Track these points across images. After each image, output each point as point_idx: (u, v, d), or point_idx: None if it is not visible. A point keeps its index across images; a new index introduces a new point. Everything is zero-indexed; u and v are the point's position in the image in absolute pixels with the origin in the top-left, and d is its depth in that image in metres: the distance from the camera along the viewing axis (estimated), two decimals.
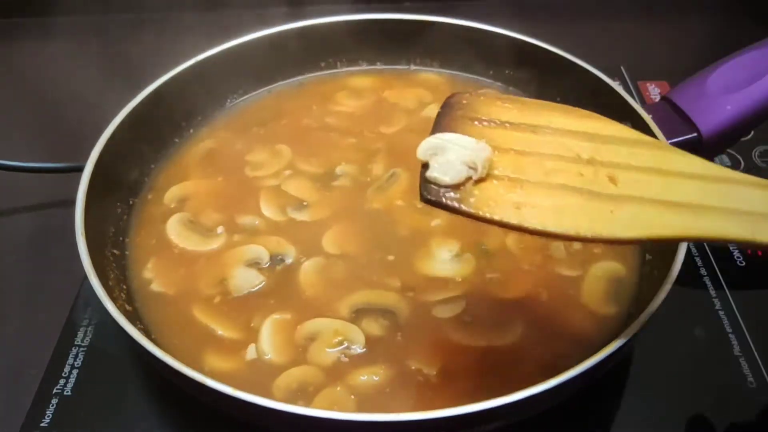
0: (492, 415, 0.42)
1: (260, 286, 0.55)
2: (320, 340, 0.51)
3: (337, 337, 0.51)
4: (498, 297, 0.53)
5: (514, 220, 0.39)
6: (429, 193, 0.40)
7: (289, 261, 0.56)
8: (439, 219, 0.58)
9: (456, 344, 0.51)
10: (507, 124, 0.43)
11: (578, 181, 0.41)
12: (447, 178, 0.40)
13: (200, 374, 0.43)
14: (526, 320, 0.52)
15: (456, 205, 0.40)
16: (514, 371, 0.49)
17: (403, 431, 0.42)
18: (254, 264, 0.56)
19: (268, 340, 0.51)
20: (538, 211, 0.40)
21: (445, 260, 0.56)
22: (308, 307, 0.53)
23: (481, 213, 0.40)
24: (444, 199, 0.40)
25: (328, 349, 0.50)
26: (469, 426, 0.43)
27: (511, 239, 0.57)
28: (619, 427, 0.53)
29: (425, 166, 0.41)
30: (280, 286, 0.54)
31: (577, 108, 0.45)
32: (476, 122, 0.43)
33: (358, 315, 0.52)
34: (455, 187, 0.40)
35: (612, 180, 0.41)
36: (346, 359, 0.50)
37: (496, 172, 0.41)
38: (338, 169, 0.63)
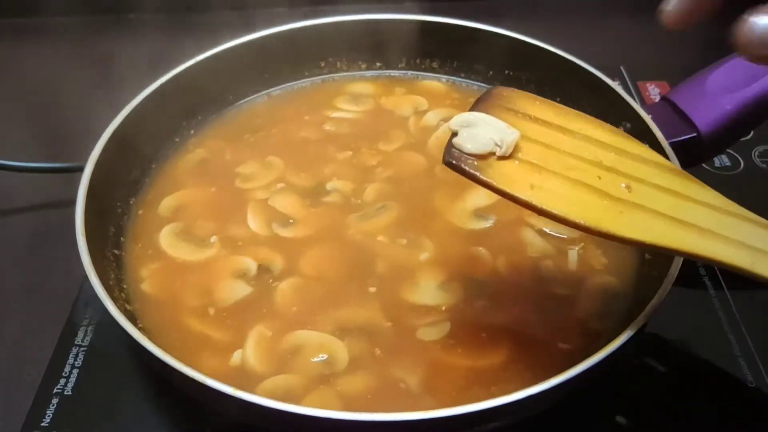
0: (491, 415, 0.42)
1: (246, 296, 0.54)
2: (304, 353, 0.50)
3: (321, 351, 0.50)
4: (486, 321, 0.52)
5: (524, 197, 0.42)
6: (451, 157, 0.43)
7: (274, 273, 0.56)
8: (427, 252, 0.57)
9: (440, 362, 0.50)
10: (540, 121, 0.46)
11: (595, 182, 0.43)
12: (470, 146, 0.43)
13: (201, 374, 0.43)
14: (515, 341, 0.51)
15: (474, 172, 0.42)
16: (500, 387, 0.48)
17: (401, 431, 0.42)
18: (242, 275, 0.55)
19: (252, 350, 0.51)
20: (550, 195, 0.42)
21: (430, 289, 0.54)
22: (291, 322, 0.52)
23: (495, 184, 0.42)
24: (464, 165, 0.42)
25: (312, 359, 0.50)
26: (468, 426, 0.43)
27: (502, 262, 0.56)
28: (618, 428, 0.53)
29: (454, 134, 0.44)
30: (265, 298, 0.54)
31: (610, 125, 0.47)
32: (512, 113, 0.46)
33: (339, 335, 0.51)
34: (478, 157, 0.42)
35: (628, 188, 0.43)
36: (328, 373, 0.49)
37: (519, 155, 0.43)
38: (329, 185, 0.62)
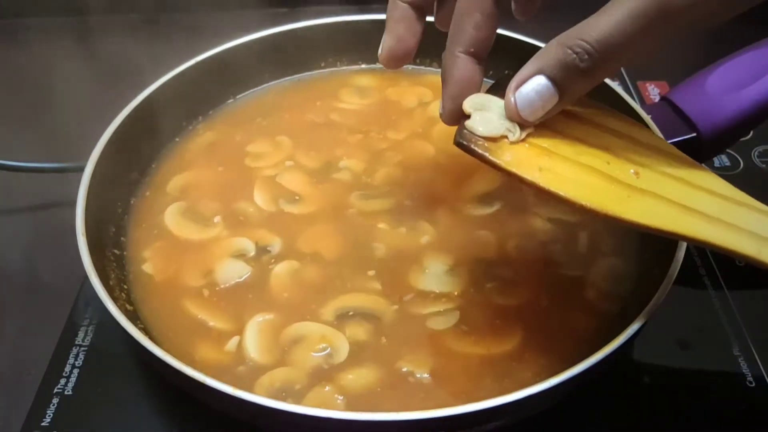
0: (491, 414, 0.42)
1: (246, 276, 0.55)
2: (305, 344, 0.50)
3: (322, 343, 0.50)
4: (497, 305, 0.52)
5: (531, 178, 0.42)
6: (462, 138, 0.43)
7: (274, 253, 0.56)
8: (427, 235, 0.57)
9: (450, 350, 0.50)
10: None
11: (604, 167, 0.43)
12: (482, 129, 0.43)
13: (201, 374, 0.43)
14: (526, 326, 0.51)
15: (483, 153, 0.43)
16: (514, 376, 0.48)
17: (400, 430, 0.42)
18: (241, 255, 0.56)
19: (253, 340, 0.51)
20: (557, 178, 0.42)
21: (437, 275, 0.54)
22: (291, 307, 0.53)
23: (503, 165, 0.42)
24: (474, 146, 0.43)
25: (313, 354, 0.50)
26: (468, 426, 0.43)
27: (510, 247, 0.56)
28: (618, 428, 0.53)
29: (467, 116, 0.44)
30: (265, 280, 0.54)
31: (625, 115, 0.48)
32: None
33: (341, 320, 0.51)
34: (489, 139, 0.43)
35: (636, 174, 0.43)
36: (327, 366, 0.49)
37: (530, 139, 0.44)
38: (341, 163, 0.63)
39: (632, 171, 0.43)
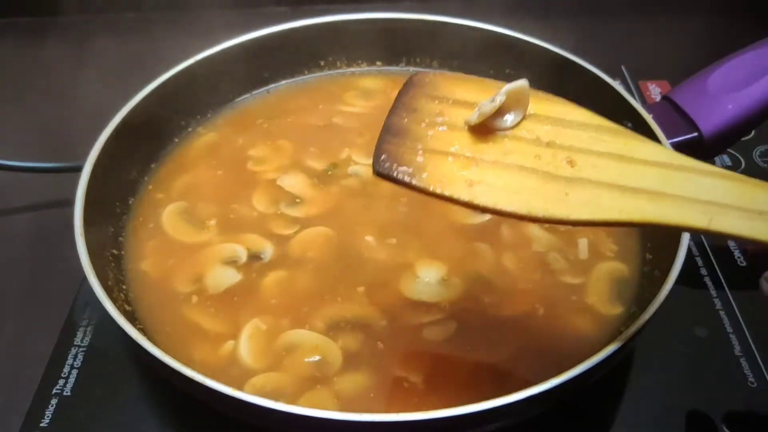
0: (491, 415, 0.42)
1: (236, 283, 0.54)
2: (299, 353, 0.50)
3: (314, 353, 0.50)
4: (494, 316, 0.52)
5: (464, 197, 0.40)
6: (380, 167, 0.40)
7: (266, 260, 0.56)
8: (416, 248, 0.56)
9: (444, 358, 0.50)
10: (468, 104, 0.43)
11: (535, 163, 0.41)
12: (475, 117, 0.41)
13: (201, 375, 0.43)
14: (526, 333, 0.51)
15: (407, 179, 0.40)
16: (512, 381, 0.48)
17: (400, 431, 0.42)
18: (232, 262, 0.56)
19: (246, 347, 0.50)
20: (490, 189, 0.40)
21: (430, 284, 0.54)
22: (281, 316, 0.52)
23: (431, 188, 0.40)
24: (395, 173, 0.40)
25: (306, 359, 0.50)
26: (469, 426, 0.43)
27: (508, 259, 0.56)
28: (619, 428, 0.53)
29: (382, 138, 0.41)
30: (255, 287, 0.54)
31: (540, 91, 0.44)
32: (437, 100, 0.43)
33: (333, 330, 0.51)
34: (492, 117, 0.40)
35: (570, 163, 0.41)
36: (319, 374, 0.49)
37: (452, 149, 0.41)
38: (350, 169, 0.63)
39: (565, 160, 0.41)
